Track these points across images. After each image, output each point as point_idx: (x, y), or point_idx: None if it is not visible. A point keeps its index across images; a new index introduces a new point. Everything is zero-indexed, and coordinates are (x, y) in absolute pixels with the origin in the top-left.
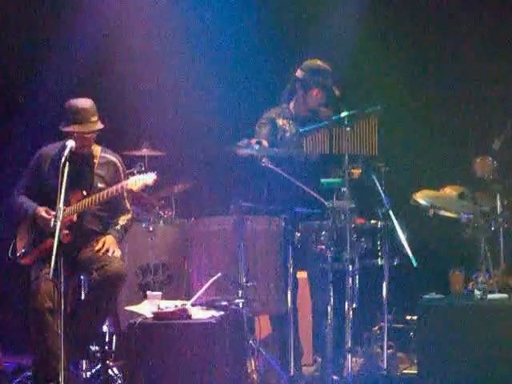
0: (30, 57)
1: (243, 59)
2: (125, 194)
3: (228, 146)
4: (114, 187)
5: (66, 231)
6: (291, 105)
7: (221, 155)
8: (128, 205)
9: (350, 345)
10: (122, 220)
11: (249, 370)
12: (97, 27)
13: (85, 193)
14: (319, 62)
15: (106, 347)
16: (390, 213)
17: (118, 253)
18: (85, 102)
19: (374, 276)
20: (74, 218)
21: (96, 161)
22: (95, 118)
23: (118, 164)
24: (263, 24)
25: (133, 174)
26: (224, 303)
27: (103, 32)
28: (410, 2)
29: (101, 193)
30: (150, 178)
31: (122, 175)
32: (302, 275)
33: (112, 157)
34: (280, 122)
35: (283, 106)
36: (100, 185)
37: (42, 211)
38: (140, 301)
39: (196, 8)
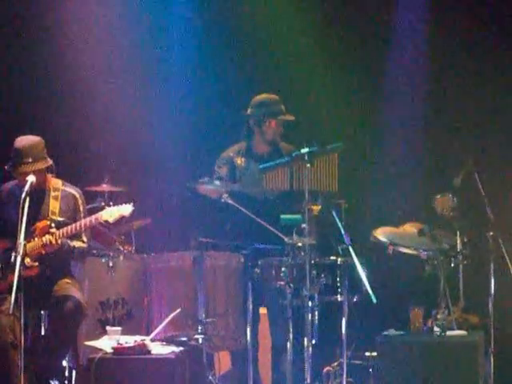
0: None
1: (203, 97)
2: (83, 228)
3: (189, 182)
4: (88, 219)
5: (36, 263)
6: (252, 143)
7: (181, 191)
8: (85, 238)
9: (309, 381)
10: (77, 243)
11: None
12: (53, 63)
13: (53, 225)
14: (264, 95)
15: (66, 382)
16: (350, 249)
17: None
18: (21, 143)
19: (334, 312)
20: (43, 251)
21: (57, 194)
22: (29, 160)
23: (78, 197)
24: (222, 64)
25: (102, 208)
26: (183, 339)
27: (60, 67)
28: (367, 44)
29: (73, 225)
30: (127, 209)
31: (82, 208)
32: (263, 311)
33: (72, 190)
34: (238, 160)
35: (241, 144)
36: (60, 218)
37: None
38: (100, 336)
39: (156, 46)
